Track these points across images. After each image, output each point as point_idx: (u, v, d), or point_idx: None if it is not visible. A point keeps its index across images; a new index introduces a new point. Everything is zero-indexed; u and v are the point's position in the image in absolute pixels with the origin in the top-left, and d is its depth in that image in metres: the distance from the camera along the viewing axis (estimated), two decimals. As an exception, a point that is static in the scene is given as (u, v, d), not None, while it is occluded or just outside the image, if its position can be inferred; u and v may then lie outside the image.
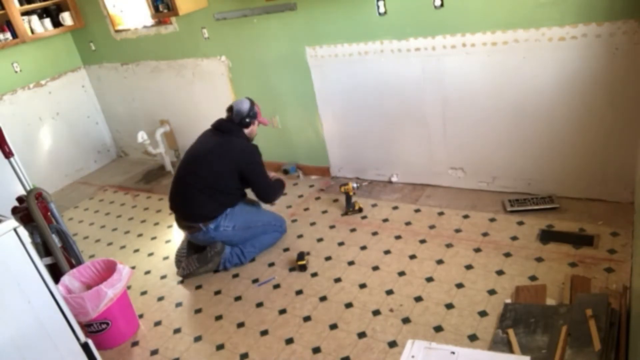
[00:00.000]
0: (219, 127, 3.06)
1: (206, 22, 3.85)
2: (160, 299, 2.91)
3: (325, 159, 3.86)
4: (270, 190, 3.10)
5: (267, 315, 2.58)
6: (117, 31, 4.50)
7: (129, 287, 3.02)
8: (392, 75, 3.20)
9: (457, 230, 2.92)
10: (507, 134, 2.99)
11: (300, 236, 3.19)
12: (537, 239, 2.69)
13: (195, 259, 2.97)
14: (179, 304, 2.82)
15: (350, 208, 3.32)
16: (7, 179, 3.09)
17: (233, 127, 3.01)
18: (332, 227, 3.23)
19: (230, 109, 3.06)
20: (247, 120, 3.02)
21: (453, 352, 2.02)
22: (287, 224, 3.29)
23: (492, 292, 2.40)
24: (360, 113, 3.47)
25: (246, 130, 3.05)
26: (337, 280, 2.72)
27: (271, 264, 2.98)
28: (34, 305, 1.85)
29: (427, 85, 3.10)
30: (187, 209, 2.98)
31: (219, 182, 2.92)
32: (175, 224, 3.71)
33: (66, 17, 4.54)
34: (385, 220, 3.17)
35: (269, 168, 4.19)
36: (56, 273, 2.67)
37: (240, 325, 2.55)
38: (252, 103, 3.06)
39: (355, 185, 3.31)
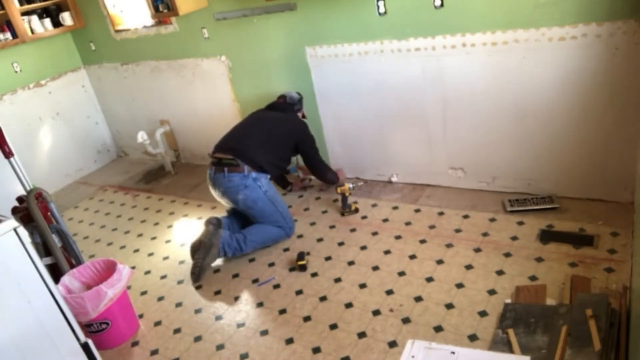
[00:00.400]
0: (275, 106, 3.34)
1: (206, 22, 3.85)
2: (160, 299, 2.91)
3: (325, 158, 3.86)
4: (323, 166, 3.37)
5: (267, 315, 2.58)
6: (117, 31, 4.50)
7: (129, 287, 3.02)
8: (392, 75, 3.20)
9: (457, 230, 2.92)
10: (507, 134, 2.99)
11: (300, 236, 3.19)
12: (537, 239, 2.69)
13: (199, 254, 2.94)
14: (179, 304, 2.82)
15: (346, 209, 3.32)
16: (7, 179, 3.09)
17: (288, 107, 3.32)
18: (332, 227, 3.23)
19: (282, 96, 3.37)
20: (297, 107, 3.35)
21: (453, 352, 2.02)
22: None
23: (492, 292, 2.40)
24: (360, 113, 3.47)
25: (297, 114, 3.36)
26: (337, 280, 2.73)
27: (271, 264, 2.98)
28: (34, 305, 1.85)
29: (427, 85, 3.10)
30: (240, 147, 3.05)
31: (280, 139, 3.16)
32: (174, 224, 3.72)
33: (66, 17, 4.54)
34: (385, 220, 3.17)
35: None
36: (56, 273, 2.67)
37: (241, 325, 2.55)
38: (301, 97, 3.41)
39: (351, 185, 3.34)
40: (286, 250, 3.09)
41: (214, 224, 3.02)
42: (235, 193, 2.98)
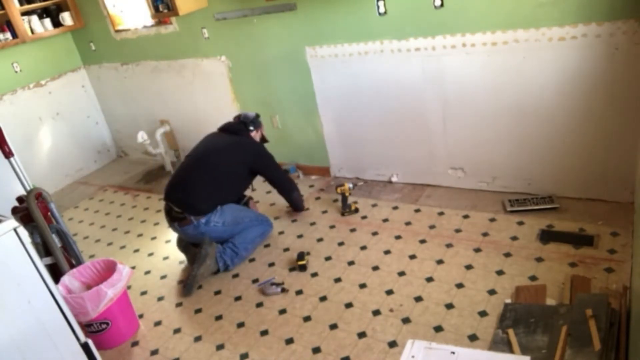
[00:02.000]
0: (227, 128, 3.22)
1: (206, 22, 3.85)
2: (160, 299, 2.91)
3: (325, 159, 3.86)
4: (288, 184, 3.30)
5: (267, 315, 2.58)
6: (117, 31, 4.50)
7: (129, 287, 3.02)
8: (392, 75, 3.20)
9: (457, 230, 2.92)
10: (507, 134, 2.99)
11: (300, 236, 3.19)
12: (537, 239, 2.69)
13: (193, 265, 2.89)
14: (179, 304, 2.82)
15: (346, 209, 3.32)
16: (7, 179, 3.09)
17: (241, 127, 3.19)
18: (332, 227, 3.23)
19: (237, 116, 3.29)
20: (252, 127, 3.22)
21: (453, 352, 2.01)
22: (286, 224, 3.29)
23: (492, 292, 2.40)
24: (360, 113, 3.47)
25: (251, 134, 3.22)
26: (337, 280, 2.72)
27: (271, 264, 2.98)
28: (34, 305, 1.85)
29: (427, 85, 3.10)
30: (185, 198, 2.99)
31: (229, 174, 3.07)
32: (175, 224, 3.72)
33: (66, 17, 4.54)
34: (385, 220, 3.17)
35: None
36: (56, 273, 2.67)
37: (240, 325, 2.55)
38: (257, 115, 3.29)
39: (351, 185, 3.32)
40: (286, 250, 3.09)
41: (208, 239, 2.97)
42: (198, 237, 2.98)
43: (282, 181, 3.28)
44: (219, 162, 3.05)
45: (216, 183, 3.01)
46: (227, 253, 2.98)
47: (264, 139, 3.37)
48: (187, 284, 2.86)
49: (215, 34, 3.86)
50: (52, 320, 1.92)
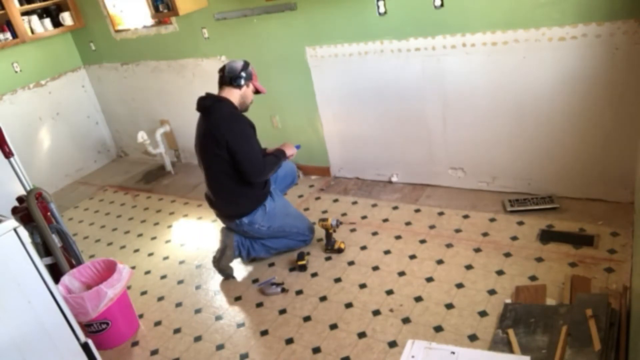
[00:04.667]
0: (202, 106, 2.72)
1: (206, 22, 3.85)
2: (160, 299, 2.91)
3: (325, 159, 3.86)
4: (258, 166, 2.66)
5: (267, 315, 2.58)
6: (117, 31, 4.50)
7: (129, 287, 3.02)
8: (392, 75, 3.20)
9: (457, 230, 2.92)
10: (507, 134, 2.99)
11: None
12: (537, 239, 2.69)
13: (215, 257, 2.91)
14: (179, 304, 2.82)
15: (329, 246, 2.93)
16: (7, 179, 3.08)
17: (216, 99, 2.69)
18: (332, 227, 3.23)
19: (222, 69, 2.72)
20: (240, 80, 2.66)
21: (453, 352, 2.01)
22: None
23: (492, 292, 2.40)
24: (360, 113, 3.47)
25: (237, 93, 2.69)
26: (337, 280, 2.72)
27: (271, 264, 2.98)
28: (34, 305, 1.85)
29: (427, 85, 3.10)
30: (213, 205, 2.88)
31: (224, 173, 2.69)
32: (174, 224, 3.72)
33: (66, 17, 4.54)
34: (385, 220, 3.17)
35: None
36: (56, 273, 2.67)
37: (240, 325, 2.55)
38: (247, 63, 2.72)
39: (334, 222, 2.85)
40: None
41: (227, 228, 2.93)
42: (249, 234, 2.86)
43: (248, 164, 2.64)
44: (209, 164, 2.74)
45: (222, 185, 2.75)
46: (245, 245, 2.89)
47: (257, 92, 2.85)
48: (222, 274, 2.92)
49: (215, 34, 3.86)
50: (52, 320, 1.92)
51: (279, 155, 2.85)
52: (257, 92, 2.84)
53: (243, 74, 2.68)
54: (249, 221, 2.76)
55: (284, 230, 2.88)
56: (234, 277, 2.93)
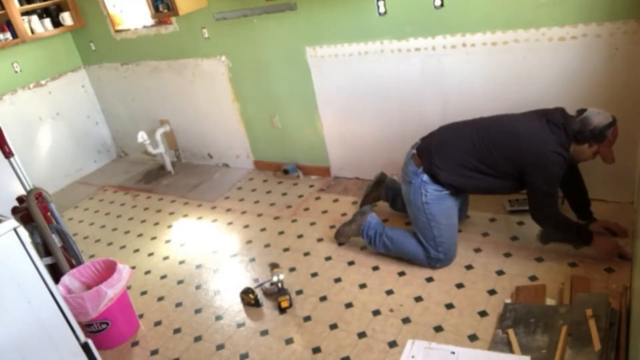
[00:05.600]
0: (549, 115, 2.37)
1: (206, 22, 3.85)
2: (160, 299, 2.91)
3: (325, 159, 3.86)
4: (550, 209, 2.38)
5: (267, 315, 2.57)
6: (117, 31, 4.50)
7: (129, 287, 3.02)
8: (392, 75, 3.20)
9: (457, 230, 2.91)
10: (507, 134, 2.98)
11: (300, 236, 3.19)
12: (537, 239, 2.69)
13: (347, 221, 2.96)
14: (179, 304, 2.82)
15: (270, 293, 2.70)
16: (7, 179, 3.08)
17: (563, 125, 2.31)
18: (332, 227, 3.22)
19: (581, 111, 2.33)
20: (587, 135, 2.25)
21: (453, 352, 2.02)
22: (287, 224, 3.25)
23: (492, 292, 2.40)
24: (360, 113, 3.47)
25: (573, 146, 2.32)
26: (337, 280, 2.72)
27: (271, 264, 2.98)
28: (34, 305, 1.85)
29: (427, 85, 3.10)
30: (440, 151, 2.51)
31: (492, 158, 2.39)
32: (174, 224, 3.72)
33: (66, 17, 4.54)
34: (385, 220, 3.17)
35: (268, 168, 4.21)
36: (56, 273, 2.67)
37: (241, 325, 2.55)
38: (612, 124, 2.25)
39: (267, 284, 2.69)
40: (286, 250, 3.09)
41: (369, 203, 3.04)
42: (400, 189, 2.77)
43: (536, 203, 2.42)
44: (491, 146, 2.40)
45: (470, 161, 2.44)
46: (370, 235, 2.77)
47: (604, 157, 2.33)
48: (336, 234, 3.00)
49: (215, 34, 3.86)
50: (52, 320, 1.92)
51: (583, 232, 2.41)
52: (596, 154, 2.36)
53: (597, 133, 2.25)
54: (426, 180, 2.50)
55: (430, 225, 2.54)
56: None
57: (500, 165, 2.39)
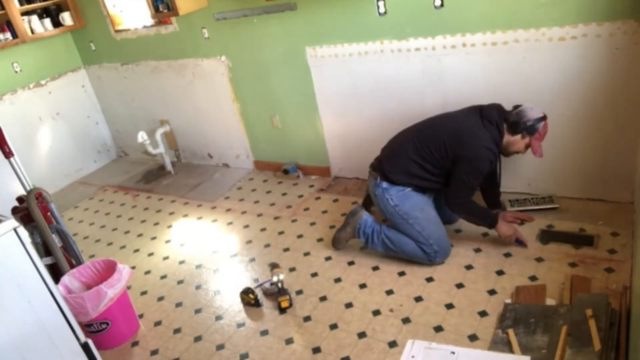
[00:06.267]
0: (484, 110, 2.57)
1: (206, 22, 3.85)
2: (160, 299, 2.91)
3: (325, 159, 3.86)
4: (461, 199, 2.58)
5: (267, 315, 2.57)
6: (117, 31, 4.50)
7: (129, 287, 3.02)
8: (392, 75, 3.20)
9: (457, 231, 2.92)
10: (507, 134, 2.99)
11: (300, 236, 3.19)
12: (537, 239, 2.69)
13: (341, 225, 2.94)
14: (179, 304, 2.82)
15: (270, 293, 2.71)
16: (7, 179, 3.08)
17: (497, 122, 2.52)
18: (332, 227, 3.22)
19: (517, 106, 2.56)
20: (521, 128, 2.49)
21: (453, 352, 2.02)
22: (287, 224, 3.26)
23: (492, 292, 2.40)
24: (360, 113, 3.47)
25: (507, 137, 2.54)
26: (337, 280, 2.72)
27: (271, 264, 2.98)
28: (34, 305, 1.85)
29: (427, 85, 3.10)
30: (388, 157, 2.72)
31: (432, 155, 2.58)
32: (174, 224, 3.73)
33: (66, 17, 4.54)
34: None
35: (268, 168, 4.21)
36: (56, 273, 2.67)
37: (241, 325, 2.55)
38: (543, 118, 2.50)
39: (268, 283, 2.71)
40: (286, 250, 3.09)
41: (360, 205, 2.96)
42: (372, 194, 2.78)
43: (453, 191, 2.59)
44: (423, 143, 2.61)
45: (423, 159, 2.62)
46: (367, 233, 2.78)
47: (534, 150, 2.55)
48: (333, 242, 2.96)
49: (215, 34, 3.86)
50: (52, 320, 1.92)
51: (488, 216, 2.64)
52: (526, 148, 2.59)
53: (529, 126, 2.48)
54: (387, 186, 2.66)
55: (409, 224, 2.62)
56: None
57: (440, 161, 2.58)
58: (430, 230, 2.62)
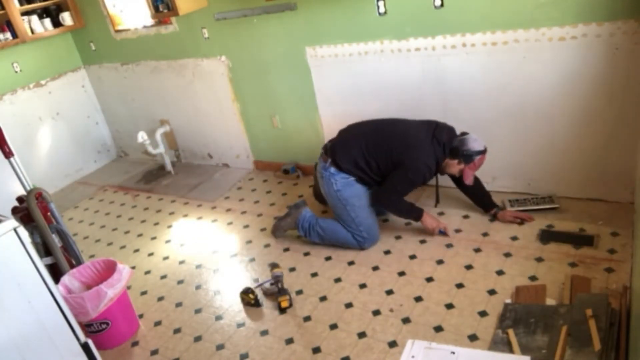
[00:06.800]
0: (437, 129, 2.76)
1: (206, 22, 3.85)
2: (160, 299, 2.91)
3: (325, 159, 3.86)
4: (391, 198, 2.82)
5: (267, 315, 2.58)
6: (117, 31, 4.50)
7: (129, 287, 3.02)
8: (392, 75, 3.20)
9: (457, 231, 2.92)
10: (507, 134, 2.99)
11: (300, 236, 3.19)
12: (537, 239, 2.69)
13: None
14: (179, 304, 2.82)
15: (271, 293, 2.71)
16: (7, 179, 3.07)
17: (444, 143, 2.72)
18: (332, 227, 3.23)
19: (464, 133, 2.77)
20: (459, 155, 2.69)
21: (453, 352, 2.02)
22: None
23: (492, 292, 2.40)
24: (360, 113, 3.45)
25: (446, 160, 2.75)
26: (337, 280, 2.72)
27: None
28: (34, 305, 1.85)
29: (427, 85, 3.10)
30: (341, 146, 2.89)
31: (380, 155, 2.78)
32: (174, 224, 3.73)
33: (66, 17, 4.54)
34: (385, 220, 3.17)
35: (268, 168, 4.21)
36: (56, 273, 2.67)
37: (241, 325, 2.55)
38: (482, 152, 2.69)
39: (266, 285, 2.72)
40: (286, 250, 3.09)
41: (303, 202, 3.16)
42: (319, 179, 2.99)
43: (384, 190, 2.82)
44: (375, 142, 2.82)
45: (369, 155, 2.81)
46: (304, 227, 3.02)
47: (465, 177, 2.77)
48: (273, 230, 3.22)
49: (215, 34, 3.86)
50: (52, 320, 1.92)
51: (414, 211, 2.87)
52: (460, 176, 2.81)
53: (467, 154, 2.68)
54: (334, 172, 2.86)
55: (346, 209, 2.84)
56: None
57: (385, 162, 2.78)
58: (362, 217, 2.85)
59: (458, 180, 2.94)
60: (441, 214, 3.11)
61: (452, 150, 2.71)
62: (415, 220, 2.88)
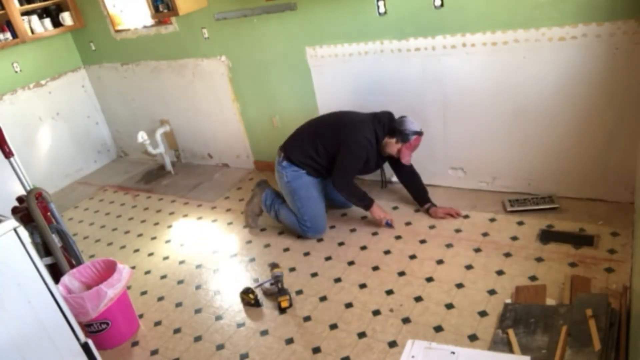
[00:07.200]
0: (378, 113, 3.02)
1: (206, 22, 3.85)
2: (160, 299, 2.91)
3: (325, 159, 3.86)
4: (343, 179, 2.97)
5: (267, 315, 2.58)
6: (117, 31, 4.50)
7: (129, 287, 3.02)
8: (392, 75, 3.20)
9: (457, 230, 2.92)
10: (507, 134, 2.99)
11: (299, 236, 3.19)
12: (537, 239, 2.69)
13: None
14: (179, 304, 2.82)
15: (270, 294, 2.71)
16: (7, 179, 3.07)
17: (384, 122, 2.95)
18: (332, 227, 3.22)
19: (403, 116, 2.98)
20: (397, 132, 2.90)
21: (453, 352, 2.02)
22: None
23: (492, 292, 2.40)
24: (360, 113, 3.47)
25: (386, 139, 2.95)
26: (337, 280, 2.73)
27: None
28: (34, 305, 1.85)
29: (427, 85, 3.10)
30: (292, 140, 3.16)
31: (324, 139, 3.00)
32: (174, 224, 3.73)
33: (66, 17, 4.54)
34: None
35: (268, 168, 4.21)
36: (56, 273, 2.67)
37: (241, 325, 2.55)
38: (418, 133, 2.91)
39: (267, 284, 2.73)
40: (286, 250, 3.09)
41: (265, 181, 3.40)
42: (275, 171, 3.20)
43: (336, 172, 2.97)
44: (321, 132, 3.07)
45: (316, 143, 3.02)
46: (267, 203, 3.26)
47: (402, 156, 2.95)
48: (245, 217, 3.39)
49: (215, 34, 3.86)
50: (52, 320, 1.92)
51: (365, 199, 3.04)
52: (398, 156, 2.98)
53: (404, 133, 2.89)
54: (286, 165, 3.08)
55: (294, 199, 3.08)
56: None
57: (330, 143, 2.96)
58: (307, 208, 3.06)
59: (398, 168, 3.15)
60: (395, 208, 3.15)
61: (390, 129, 2.92)
62: (366, 208, 3.05)
